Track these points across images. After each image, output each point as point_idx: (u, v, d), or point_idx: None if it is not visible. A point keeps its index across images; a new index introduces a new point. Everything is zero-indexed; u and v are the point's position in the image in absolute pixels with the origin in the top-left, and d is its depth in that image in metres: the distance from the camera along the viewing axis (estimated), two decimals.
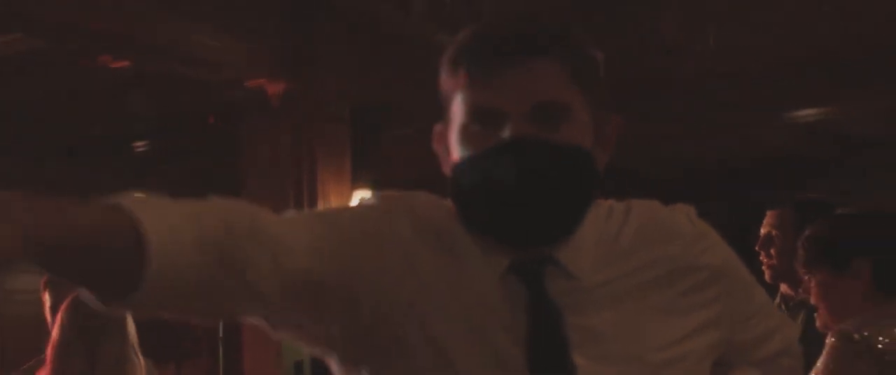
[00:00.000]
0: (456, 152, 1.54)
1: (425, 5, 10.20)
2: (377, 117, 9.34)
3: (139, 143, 11.10)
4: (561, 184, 1.45)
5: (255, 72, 8.55)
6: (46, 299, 4.89)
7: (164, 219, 1.29)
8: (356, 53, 9.00)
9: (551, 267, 1.50)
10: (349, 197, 8.64)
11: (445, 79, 1.58)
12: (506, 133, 1.45)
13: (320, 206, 8.62)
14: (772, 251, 4.14)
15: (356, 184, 8.69)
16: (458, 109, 1.54)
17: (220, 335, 8.34)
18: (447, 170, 1.58)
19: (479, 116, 1.50)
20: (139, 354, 4.12)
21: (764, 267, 4.14)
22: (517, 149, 1.43)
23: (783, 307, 4.11)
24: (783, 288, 4.18)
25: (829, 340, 2.71)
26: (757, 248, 4.10)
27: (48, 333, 4.20)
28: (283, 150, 8.59)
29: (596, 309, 1.48)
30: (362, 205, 1.61)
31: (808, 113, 10.61)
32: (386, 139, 9.24)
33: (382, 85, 9.31)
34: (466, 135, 1.51)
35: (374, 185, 8.63)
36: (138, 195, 1.33)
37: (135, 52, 7.94)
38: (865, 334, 2.62)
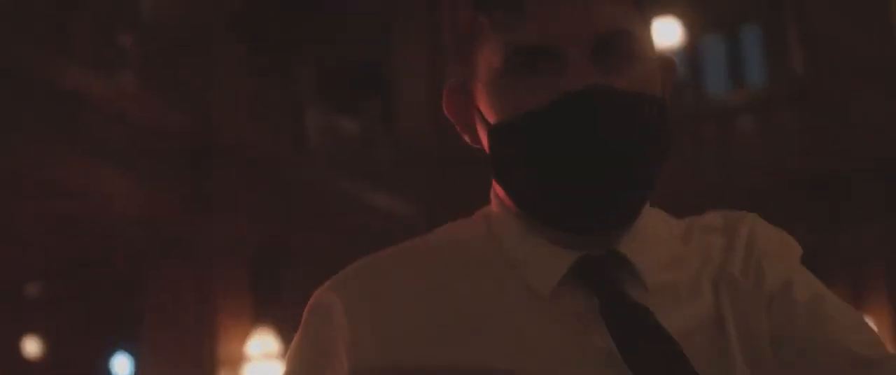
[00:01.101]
0: (493, 110, 1.16)
1: (325, 150, 10.46)
2: (278, 258, 9.47)
3: (32, 286, 11.00)
4: (640, 149, 1.13)
5: (156, 213, 8.65)
6: None
7: None
8: (256, 196, 9.17)
9: (619, 265, 1.17)
10: (249, 337, 8.71)
11: (465, 19, 1.19)
12: (566, 79, 1.11)
13: (220, 346, 8.67)
14: None
15: (257, 324, 8.77)
16: (488, 55, 1.16)
17: None
18: (473, 137, 1.23)
19: (524, 59, 1.13)
20: None
21: None
22: (588, 103, 1.11)
23: None
24: None
25: None
26: None
27: None
28: (183, 291, 8.65)
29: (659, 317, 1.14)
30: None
31: None
32: (286, 280, 9.34)
33: (282, 227, 9.47)
34: (509, 85, 1.14)
35: (276, 326, 8.71)
36: None
37: (35, 190, 8.01)
38: None
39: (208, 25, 9.43)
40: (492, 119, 1.17)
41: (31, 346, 11.84)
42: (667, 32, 12.86)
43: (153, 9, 9.46)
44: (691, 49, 12.98)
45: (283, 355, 8.26)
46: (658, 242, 1.21)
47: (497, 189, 1.23)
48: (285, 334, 8.65)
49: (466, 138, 1.25)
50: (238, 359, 8.63)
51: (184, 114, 8.73)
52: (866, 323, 1.19)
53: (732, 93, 12.62)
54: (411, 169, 11.37)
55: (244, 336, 8.70)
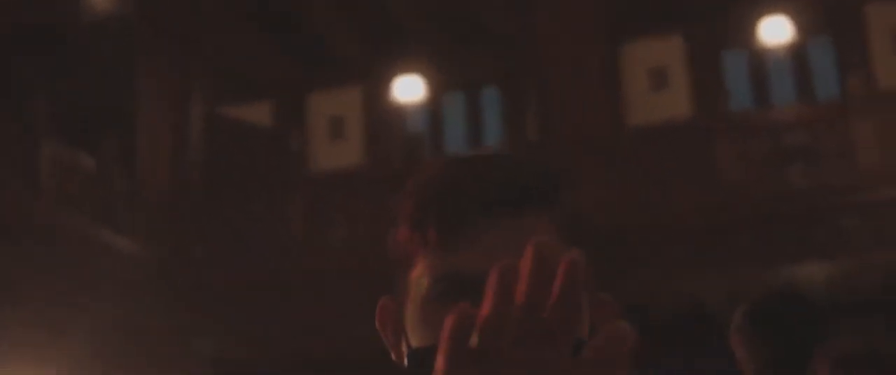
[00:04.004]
0: (415, 335, 1.14)
1: (57, 189, 10.18)
2: (2, 298, 9.12)
3: None
4: None
5: None
6: None
7: None
8: None
9: None
10: None
11: (403, 239, 1.17)
12: None
13: None
14: None
15: None
16: (419, 278, 1.14)
17: None
18: (398, 355, 1.18)
19: (450, 287, 1.10)
20: None
21: None
22: None
23: None
24: None
25: None
26: None
27: None
28: None
29: None
30: None
31: None
32: (11, 320, 9.02)
33: (9, 266, 9.14)
34: (433, 310, 1.11)
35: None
36: None
37: None
38: None
39: None
40: (413, 342, 1.13)
41: None
42: (410, 88, 13.22)
43: None
44: (433, 105, 13.37)
45: None
46: None
47: None
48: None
49: (393, 355, 1.19)
50: None
51: None
52: None
53: (469, 149, 13.01)
54: (147, 209, 11.20)
55: None
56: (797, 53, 12.09)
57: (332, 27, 12.92)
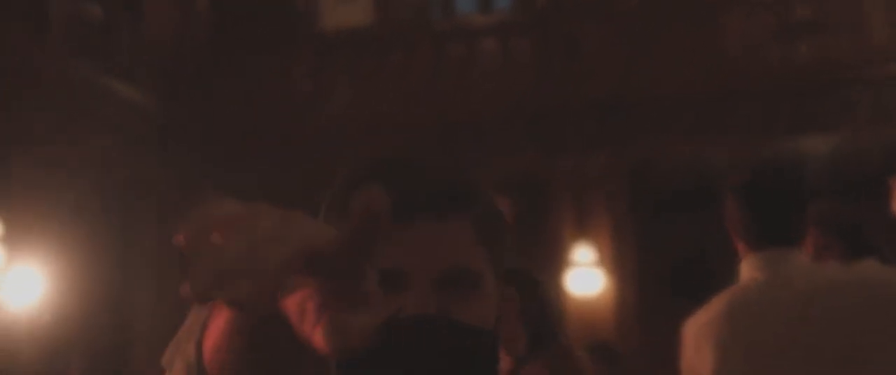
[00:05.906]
0: None
1: (65, 38, 10.15)
2: (6, 147, 9.17)
3: None
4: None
5: None
6: None
7: None
8: None
9: None
10: None
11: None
12: (406, 302, 1.20)
13: None
14: None
15: None
16: None
17: None
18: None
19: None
20: None
21: None
22: (419, 330, 1.20)
23: None
24: None
25: None
26: None
27: None
28: None
29: None
30: None
31: None
32: (17, 171, 9.09)
33: (15, 115, 9.18)
34: None
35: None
36: None
37: None
38: None
39: None
40: None
41: None
42: None
43: None
44: None
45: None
46: None
47: None
48: (12, 225, 8.46)
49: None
50: None
51: None
52: None
53: (479, 14, 12.92)
54: (154, 61, 11.19)
55: None
56: None
57: None
